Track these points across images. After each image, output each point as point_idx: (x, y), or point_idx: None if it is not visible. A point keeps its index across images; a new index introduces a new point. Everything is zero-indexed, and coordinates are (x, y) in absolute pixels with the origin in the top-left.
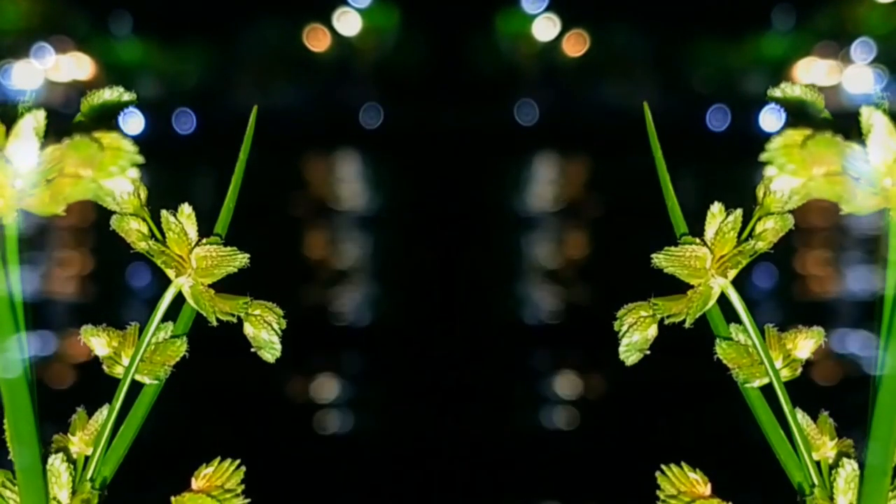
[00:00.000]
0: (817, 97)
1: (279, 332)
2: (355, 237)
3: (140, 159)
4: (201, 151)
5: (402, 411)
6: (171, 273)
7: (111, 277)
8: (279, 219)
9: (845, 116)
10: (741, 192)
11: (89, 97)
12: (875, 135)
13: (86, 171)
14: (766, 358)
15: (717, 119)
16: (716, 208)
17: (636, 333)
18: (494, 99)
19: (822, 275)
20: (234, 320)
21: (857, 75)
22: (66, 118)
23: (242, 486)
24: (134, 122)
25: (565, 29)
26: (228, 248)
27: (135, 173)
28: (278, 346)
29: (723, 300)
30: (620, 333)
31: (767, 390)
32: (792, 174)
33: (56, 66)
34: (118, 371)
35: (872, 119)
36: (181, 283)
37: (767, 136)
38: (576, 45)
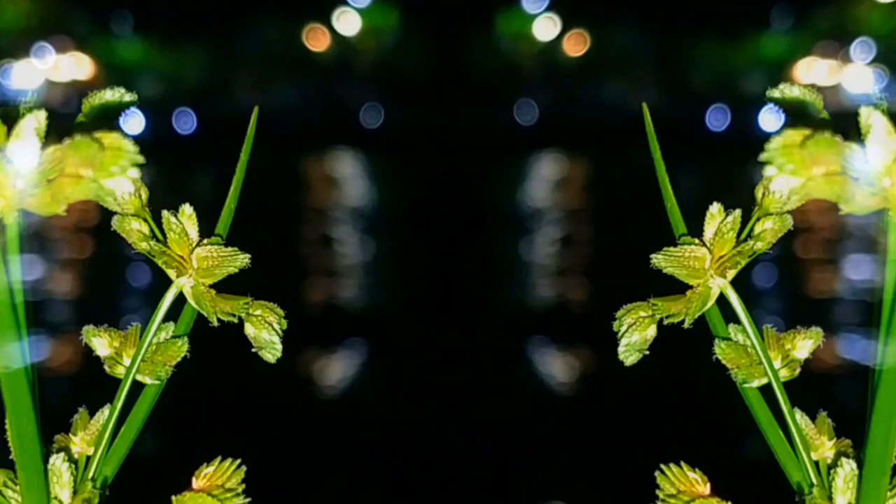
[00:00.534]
0: (816, 97)
1: (280, 332)
2: (355, 237)
3: (141, 159)
4: (202, 151)
5: (402, 410)
6: (172, 273)
7: (111, 277)
8: (280, 219)
9: (846, 116)
10: (740, 193)
11: (90, 98)
12: (874, 135)
13: (87, 171)
14: (764, 358)
15: (717, 119)
16: (715, 209)
17: (635, 334)
18: (494, 99)
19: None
20: (235, 321)
21: (857, 75)
22: (65, 118)
23: (243, 486)
24: (134, 121)
25: (566, 29)
26: (229, 249)
27: (136, 173)
28: (279, 347)
29: (722, 300)
30: (619, 334)
31: (766, 390)
32: (791, 174)
33: (56, 66)
34: (119, 371)
35: (871, 119)
36: (182, 284)
37: (767, 137)
38: (576, 45)
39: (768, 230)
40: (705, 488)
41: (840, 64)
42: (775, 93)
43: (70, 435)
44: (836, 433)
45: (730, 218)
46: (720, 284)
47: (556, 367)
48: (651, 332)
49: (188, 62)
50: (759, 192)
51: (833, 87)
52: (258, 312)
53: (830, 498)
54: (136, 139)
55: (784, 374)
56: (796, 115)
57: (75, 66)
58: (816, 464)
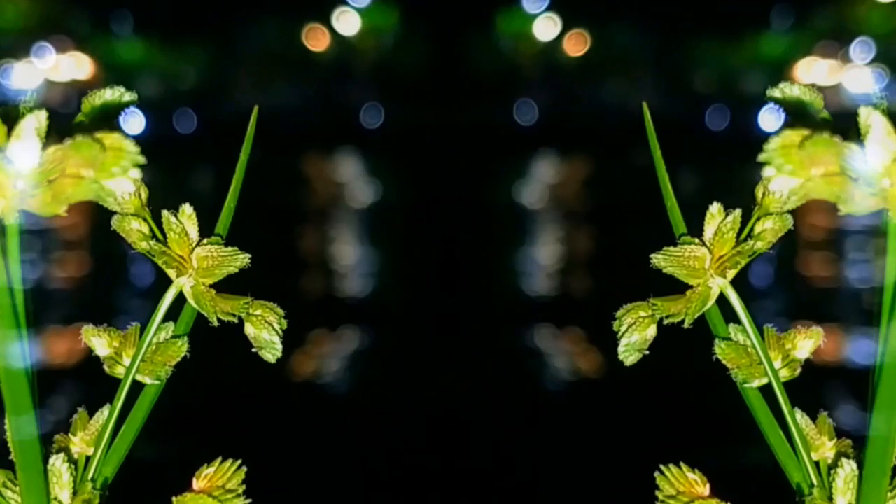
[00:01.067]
0: (816, 97)
1: (280, 332)
2: (355, 236)
3: (142, 159)
4: (202, 151)
5: (402, 410)
6: (172, 273)
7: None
8: (280, 219)
9: (846, 116)
10: (740, 193)
11: (90, 97)
12: (873, 135)
13: (88, 171)
14: (765, 358)
15: (717, 119)
16: (715, 208)
17: (635, 333)
18: (494, 99)
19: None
20: (236, 320)
21: (857, 75)
22: (65, 118)
23: (244, 487)
24: (134, 121)
25: (566, 29)
26: (229, 249)
27: (137, 174)
28: (279, 347)
29: (722, 300)
30: (619, 333)
31: (766, 390)
32: (790, 174)
33: (56, 66)
34: (119, 371)
35: (871, 119)
36: (182, 284)
37: (767, 136)
38: (576, 45)
39: (768, 230)
40: (705, 489)
41: (840, 64)
42: (775, 92)
43: (70, 435)
44: (836, 433)
45: (730, 218)
46: (720, 284)
47: (556, 366)
48: (651, 331)
49: (188, 62)
50: (759, 192)
51: (833, 87)
52: (258, 312)
53: (831, 498)
54: (137, 139)
55: (784, 374)
56: (796, 114)
57: (75, 66)
58: (817, 464)
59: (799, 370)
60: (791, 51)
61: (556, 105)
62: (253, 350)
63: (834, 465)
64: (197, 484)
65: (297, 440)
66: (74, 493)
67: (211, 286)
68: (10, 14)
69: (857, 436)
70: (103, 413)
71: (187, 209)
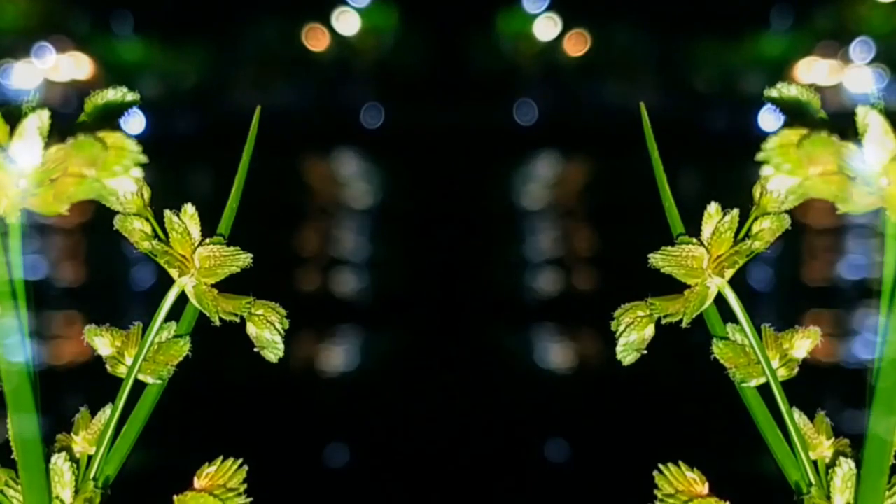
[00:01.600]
0: (814, 97)
1: (282, 332)
2: (356, 236)
3: (144, 159)
4: (203, 151)
5: (402, 410)
6: (174, 273)
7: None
8: (281, 218)
9: (847, 116)
10: (739, 192)
11: (93, 97)
12: (871, 134)
13: (90, 170)
14: (762, 357)
15: (717, 119)
16: (713, 208)
17: (633, 333)
18: (495, 99)
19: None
20: (237, 320)
21: (858, 75)
22: (65, 118)
23: (245, 486)
24: (135, 121)
25: (566, 29)
26: (231, 248)
27: (138, 173)
28: (281, 346)
29: (720, 300)
30: (617, 333)
31: (765, 390)
32: (788, 174)
33: (56, 66)
34: (121, 371)
35: (868, 119)
36: (184, 283)
37: (766, 136)
38: (577, 45)
39: (766, 229)
40: (703, 488)
41: (840, 64)
42: (773, 92)
43: (72, 434)
44: (834, 432)
45: (727, 217)
46: (718, 284)
47: (555, 366)
48: (649, 331)
49: (188, 62)
50: (756, 192)
51: (833, 87)
52: (260, 312)
53: (829, 497)
54: (137, 139)
55: (782, 373)
56: (794, 114)
57: (75, 66)
58: (815, 463)
59: (797, 370)
60: (791, 51)
61: (556, 105)
62: (255, 350)
63: (832, 465)
64: (198, 483)
65: (297, 440)
66: (76, 492)
67: (213, 286)
68: (10, 14)
69: (855, 435)
70: (105, 412)
71: (189, 209)
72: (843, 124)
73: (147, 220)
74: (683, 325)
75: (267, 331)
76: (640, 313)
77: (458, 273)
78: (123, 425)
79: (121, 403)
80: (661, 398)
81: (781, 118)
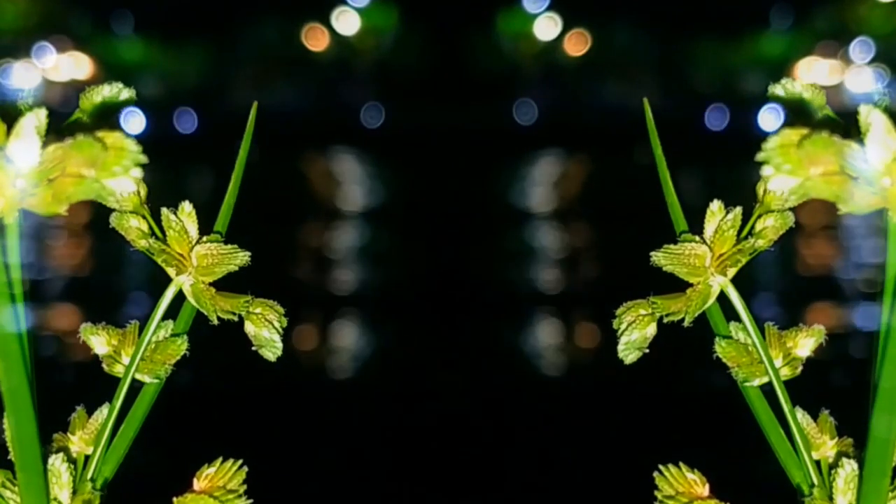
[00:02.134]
0: (818, 94)
1: (280, 330)
2: (355, 236)
3: (143, 159)
4: (202, 150)
5: (402, 410)
6: (171, 271)
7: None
8: (280, 218)
9: (847, 116)
10: (741, 191)
11: (88, 94)
12: (873, 134)
13: (89, 170)
14: (765, 357)
15: (716, 118)
16: (715, 206)
17: (635, 332)
18: (495, 99)
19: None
20: (235, 319)
21: (857, 75)
22: (65, 118)
23: (245, 487)
24: (135, 121)
25: (567, 28)
26: (229, 247)
27: (138, 173)
28: (279, 345)
29: (722, 298)
30: (619, 331)
31: (767, 389)
32: (788, 174)
33: (56, 66)
34: (118, 370)
35: (871, 118)
36: (182, 282)
37: (766, 136)
38: (577, 45)
39: (769, 227)
40: (704, 489)
41: (840, 63)
42: (777, 89)
43: (69, 434)
44: (838, 432)
45: (730, 215)
46: (721, 282)
47: (554, 366)
48: (651, 330)
49: (188, 62)
50: (760, 189)
51: (834, 87)
52: (258, 310)
53: (831, 498)
54: (137, 138)
55: (785, 372)
56: (798, 112)
57: (75, 65)
58: (818, 463)
59: (800, 368)
60: (791, 51)
61: (556, 105)
62: (253, 348)
63: (835, 465)
64: (198, 484)
65: (297, 439)
66: (74, 493)
67: (210, 284)
68: (10, 14)
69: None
70: (102, 412)
71: (187, 207)
72: (845, 123)
73: (144, 217)
74: (686, 323)
75: (265, 329)
76: (642, 312)
77: (458, 273)
78: (121, 425)
79: (118, 403)
80: (663, 398)
81: (782, 117)
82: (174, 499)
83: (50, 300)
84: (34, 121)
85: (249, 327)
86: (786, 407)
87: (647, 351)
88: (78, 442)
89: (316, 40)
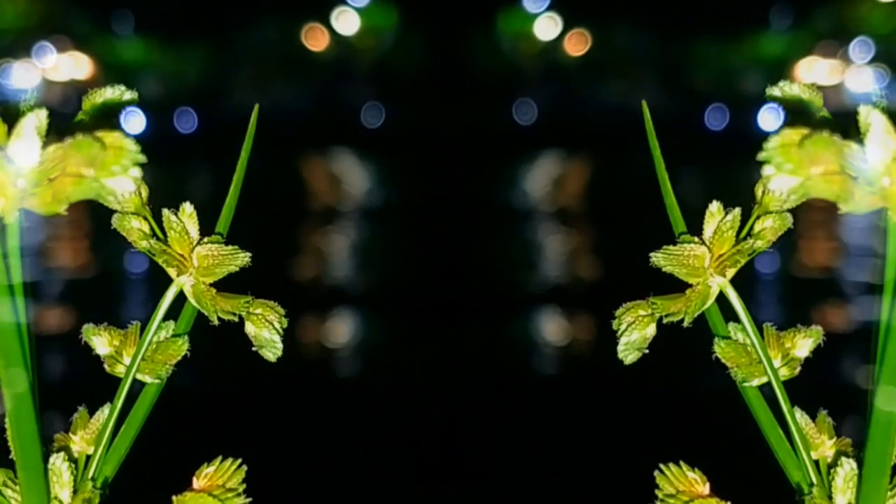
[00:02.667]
0: (816, 95)
1: (280, 331)
2: (356, 236)
3: (142, 158)
4: (202, 150)
5: (402, 410)
6: (172, 272)
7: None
8: (280, 218)
9: (847, 116)
10: (741, 191)
11: (91, 95)
12: (873, 134)
13: (88, 170)
14: (764, 357)
15: (716, 118)
16: (714, 207)
17: (634, 332)
18: (495, 99)
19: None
20: (236, 319)
21: (857, 75)
22: (64, 118)
23: (244, 486)
24: (135, 121)
25: (567, 28)
26: (230, 247)
27: (137, 172)
28: (280, 345)
29: (721, 299)
30: (619, 332)
31: (766, 389)
32: (789, 174)
33: (55, 66)
34: (119, 370)
35: (871, 118)
36: (183, 282)
37: (766, 136)
38: (577, 45)
39: (768, 228)
40: (704, 488)
41: (841, 63)
42: (775, 91)
43: (70, 434)
44: (836, 432)
45: (729, 216)
46: (720, 283)
47: (554, 365)
48: (650, 330)
49: (188, 62)
50: (759, 190)
51: (834, 87)
52: (259, 311)
53: (830, 497)
54: (137, 138)
55: (784, 372)
56: (796, 112)
57: (74, 65)
58: (816, 463)
59: (799, 369)
60: (791, 50)
61: (556, 105)
62: (253, 349)
63: (834, 464)
64: (197, 483)
65: (297, 439)
66: (75, 492)
67: (211, 285)
68: (10, 14)
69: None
70: (104, 412)
71: (188, 208)
72: (844, 124)
73: (145, 218)
74: (685, 324)
75: (265, 330)
76: (642, 312)
77: (457, 272)
78: (122, 425)
79: (119, 403)
80: (663, 397)
81: (782, 117)
82: (173, 497)
83: (51, 300)
84: (35, 121)
85: (250, 328)
86: (784, 407)
87: (647, 351)
88: (79, 442)
89: (316, 40)
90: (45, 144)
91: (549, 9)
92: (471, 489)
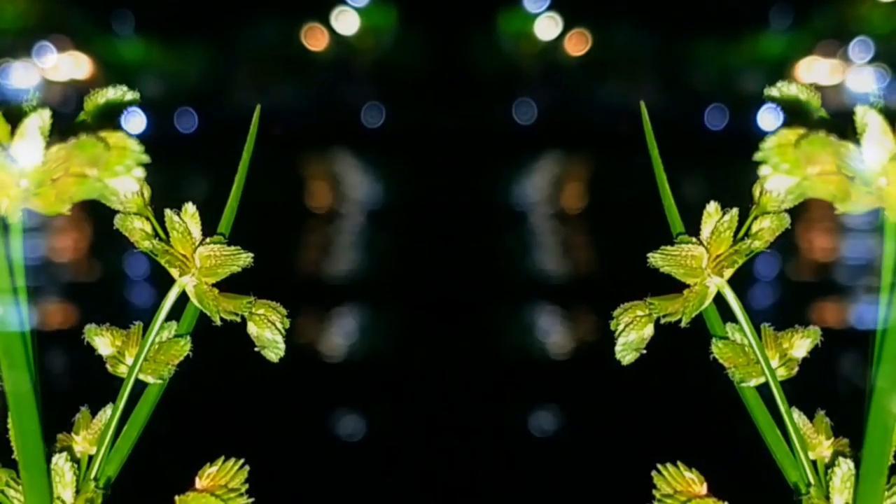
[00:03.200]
0: (813, 96)
1: (283, 331)
2: (355, 236)
3: (146, 158)
4: (203, 150)
5: (401, 410)
6: (174, 272)
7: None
8: (281, 218)
9: (848, 116)
10: (740, 191)
11: (93, 96)
12: (870, 134)
13: (91, 170)
14: (762, 357)
15: (716, 118)
16: (712, 207)
17: (632, 332)
18: (495, 99)
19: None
20: (238, 319)
21: (857, 74)
22: (64, 117)
23: (247, 486)
24: (136, 121)
25: (567, 28)
26: (232, 248)
27: (140, 173)
28: (282, 346)
29: (719, 299)
30: (617, 332)
31: (764, 389)
32: (786, 174)
33: (56, 66)
34: (122, 370)
35: (867, 118)
36: (185, 283)
37: (765, 135)
38: (578, 45)
39: (766, 229)
40: (702, 488)
41: (841, 63)
42: (773, 91)
43: (72, 434)
44: (833, 432)
45: (727, 217)
46: (717, 283)
47: (552, 365)
48: (648, 331)
49: (188, 62)
50: (756, 191)
51: (834, 87)
52: (261, 311)
53: (828, 497)
54: (138, 138)
55: (782, 373)
56: (794, 113)
57: (74, 65)
58: (814, 463)
59: (796, 369)
60: (791, 50)
61: (556, 105)
62: (256, 349)
63: (831, 464)
64: (200, 483)
65: (298, 439)
66: (77, 493)
67: (213, 285)
68: (10, 14)
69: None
70: (106, 412)
71: (190, 208)
72: (842, 124)
73: (147, 219)
74: (683, 324)
75: (268, 330)
76: (640, 313)
77: (457, 272)
78: (124, 425)
79: (121, 403)
80: (660, 398)
81: (781, 117)
82: (176, 497)
83: (53, 299)
84: (38, 121)
85: (252, 328)
86: (782, 407)
87: (645, 352)
88: (82, 442)
89: (315, 40)
90: (48, 144)
91: (549, 9)
92: (470, 488)
